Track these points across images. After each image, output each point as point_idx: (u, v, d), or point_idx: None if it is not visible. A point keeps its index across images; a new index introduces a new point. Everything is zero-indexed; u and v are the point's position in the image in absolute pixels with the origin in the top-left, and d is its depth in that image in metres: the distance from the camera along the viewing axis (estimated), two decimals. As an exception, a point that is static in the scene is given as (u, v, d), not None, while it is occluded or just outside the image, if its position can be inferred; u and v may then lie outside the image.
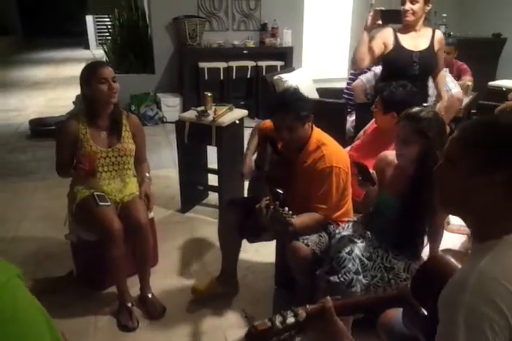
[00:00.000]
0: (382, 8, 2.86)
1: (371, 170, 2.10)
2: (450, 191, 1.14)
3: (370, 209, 2.21)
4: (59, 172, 2.59)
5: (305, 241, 2.20)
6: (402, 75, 2.88)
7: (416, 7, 2.91)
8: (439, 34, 3.11)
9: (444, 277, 1.14)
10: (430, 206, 1.94)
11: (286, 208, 2.04)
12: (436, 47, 3.08)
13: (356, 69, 3.31)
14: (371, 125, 2.91)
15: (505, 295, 0.97)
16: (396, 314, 1.57)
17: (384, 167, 2.19)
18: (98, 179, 2.53)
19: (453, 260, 1.31)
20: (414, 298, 1.33)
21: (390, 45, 3.02)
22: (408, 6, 2.91)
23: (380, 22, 2.90)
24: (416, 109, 2.08)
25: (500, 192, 1.05)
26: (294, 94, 2.31)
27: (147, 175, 2.72)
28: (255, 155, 2.67)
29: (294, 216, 2.05)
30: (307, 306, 1.25)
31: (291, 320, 1.19)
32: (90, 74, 2.47)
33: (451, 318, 1.02)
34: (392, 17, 2.91)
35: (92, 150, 2.49)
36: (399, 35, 3.03)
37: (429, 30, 3.09)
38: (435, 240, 2.12)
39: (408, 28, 3.00)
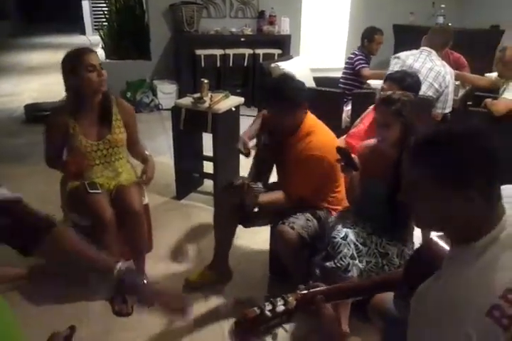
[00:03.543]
0: None
1: (353, 156, 2.13)
2: (427, 216, 1.13)
3: (356, 196, 2.24)
4: (48, 164, 2.56)
5: (290, 225, 2.24)
6: None
7: None
8: None
9: (437, 262, 1.15)
10: None
11: (259, 184, 2.21)
12: None
13: None
14: (369, 113, 2.91)
15: (463, 309, 0.99)
16: (387, 296, 1.59)
17: (367, 155, 2.23)
18: (89, 172, 2.49)
19: (446, 246, 1.32)
20: (407, 282, 1.34)
21: None
22: None
23: None
24: (388, 92, 2.17)
25: (479, 205, 1.04)
26: (288, 81, 2.32)
27: (147, 152, 2.68)
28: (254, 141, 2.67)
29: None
30: (298, 292, 1.25)
31: (280, 307, 1.18)
32: (76, 62, 2.31)
33: (416, 323, 1.08)
34: None
35: (82, 144, 2.43)
36: None
37: None
38: None
39: None
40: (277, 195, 2.33)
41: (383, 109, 2.10)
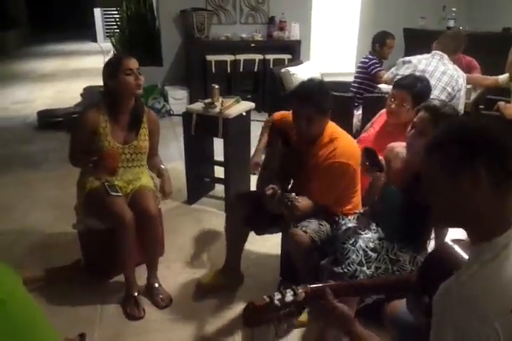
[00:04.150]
0: None
1: (380, 157, 2.11)
2: (443, 209, 1.13)
3: (374, 199, 2.22)
4: (72, 161, 2.57)
5: (303, 229, 2.22)
6: None
7: None
8: None
9: (450, 266, 1.15)
10: None
11: (293, 194, 2.06)
12: None
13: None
14: (380, 118, 2.90)
15: (487, 306, 0.99)
16: (402, 303, 1.58)
17: (391, 159, 2.20)
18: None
19: (460, 250, 1.31)
20: (419, 286, 1.34)
21: None
22: None
23: None
24: (438, 102, 2.08)
25: (487, 188, 1.05)
26: (321, 85, 2.30)
27: (162, 167, 2.70)
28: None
29: (299, 199, 2.07)
30: (308, 285, 1.25)
31: (289, 298, 1.19)
32: (116, 66, 2.44)
33: (440, 322, 1.06)
34: None
35: (110, 145, 2.48)
36: None
37: None
38: (441, 232, 2.13)
39: None
40: (311, 203, 2.27)
41: (426, 118, 2.01)
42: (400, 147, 2.18)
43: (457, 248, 1.33)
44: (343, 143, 2.28)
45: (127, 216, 2.38)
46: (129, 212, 2.41)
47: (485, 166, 1.04)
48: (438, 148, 1.11)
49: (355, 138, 3.02)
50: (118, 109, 2.52)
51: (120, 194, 2.48)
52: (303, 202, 2.15)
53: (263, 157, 2.62)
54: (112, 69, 2.46)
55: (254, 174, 2.66)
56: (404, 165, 2.13)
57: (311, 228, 2.24)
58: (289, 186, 2.54)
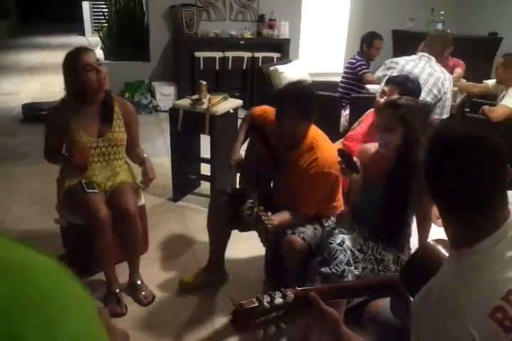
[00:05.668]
0: None
1: (355, 158, 2.12)
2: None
3: (354, 199, 2.23)
4: (47, 158, 2.58)
5: (301, 235, 2.20)
6: None
7: None
8: None
9: (433, 266, 1.16)
10: (413, 194, 1.98)
11: (269, 213, 2.05)
12: None
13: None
14: (367, 117, 2.92)
15: (465, 310, 0.99)
16: (383, 304, 1.59)
17: (366, 159, 2.21)
18: (88, 169, 2.48)
19: (443, 250, 1.32)
20: (403, 286, 1.34)
21: None
22: None
23: None
24: (395, 96, 2.12)
25: (471, 207, 1.09)
26: (308, 89, 2.25)
27: (145, 155, 2.65)
28: (245, 145, 2.65)
29: (273, 218, 2.06)
30: (296, 288, 1.25)
31: (278, 300, 1.17)
32: (74, 64, 2.35)
33: (419, 326, 1.07)
34: None
35: (82, 140, 2.43)
36: None
37: None
38: (424, 229, 2.15)
39: None
40: (290, 217, 2.23)
41: (388, 113, 2.05)
42: (372, 147, 2.21)
43: (440, 248, 1.34)
44: (324, 152, 2.22)
45: (101, 212, 2.34)
46: (104, 208, 2.37)
47: (459, 211, 1.10)
48: (425, 174, 1.15)
49: (342, 137, 3.04)
50: (87, 103, 2.45)
51: (96, 191, 2.44)
52: (278, 218, 2.13)
53: (242, 154, 2.58)
54: (70, 69, 2.37)
55: (232, 169, 2.58)
56: (378, 163, 2.15)
57: (308, 234, 2.23)
58: (271, 186, 2.53)
